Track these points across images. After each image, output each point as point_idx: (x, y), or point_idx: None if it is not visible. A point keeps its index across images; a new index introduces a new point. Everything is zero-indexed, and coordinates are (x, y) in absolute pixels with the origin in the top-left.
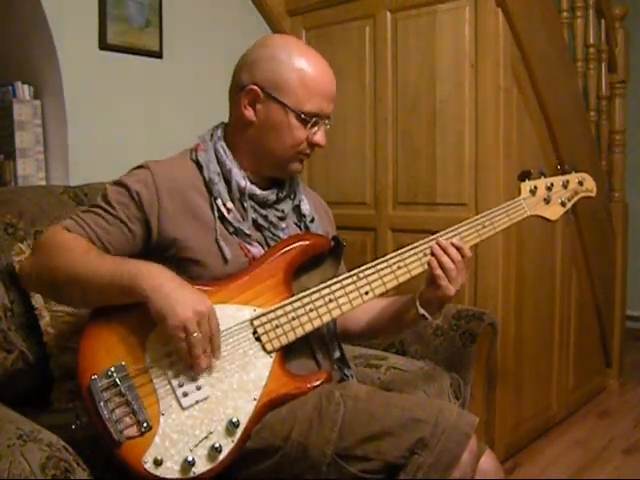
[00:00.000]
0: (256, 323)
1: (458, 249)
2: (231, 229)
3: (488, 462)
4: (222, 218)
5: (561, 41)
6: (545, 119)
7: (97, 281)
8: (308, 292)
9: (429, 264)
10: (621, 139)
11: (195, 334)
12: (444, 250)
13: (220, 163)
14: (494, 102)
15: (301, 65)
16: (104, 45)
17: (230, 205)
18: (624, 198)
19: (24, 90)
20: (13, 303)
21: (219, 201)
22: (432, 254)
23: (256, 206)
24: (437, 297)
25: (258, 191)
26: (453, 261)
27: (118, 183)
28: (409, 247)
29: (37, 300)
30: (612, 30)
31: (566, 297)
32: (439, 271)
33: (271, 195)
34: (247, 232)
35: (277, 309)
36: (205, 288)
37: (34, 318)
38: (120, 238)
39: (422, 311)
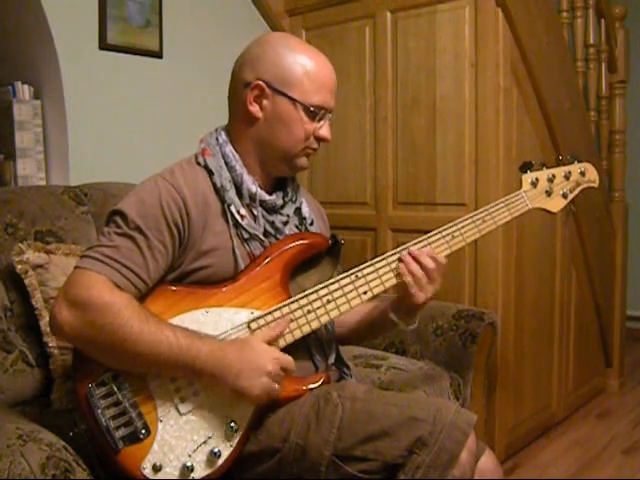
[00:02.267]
0: (253, 326)
1: (431, 257)
2: (246, 235)
3: (488, 462)
4: (236, 225)
5: (561, 41)
6: (545, 119)
7: (156, 361)
8: (306, 293)
9: (399, 271)
10: (621, 139)
11: (276, 393)
12: (415, 258)
13: (230, 168)
14: (494, 102)
15: (304, 59)
16: (104, 45)
17: (243, 211)
18: (624, 198)
19: (24, 90)
20: (13, 303)
21: (232, 208)
22: (401, 261)
23: (264, 212)
24: (405, 304)
25: (267, 196)
26: (424, 269)
27: (142, 203)
28: (408, 245)
29: (37, 300)
30: (612, 30)
31: (566, 297)
32: (409, 278)
33: (278, 200)
34: (262, 238)
35: (274, 311)
36: (202, 291)
37: (34, 318)
38: (157, 269)
39: (392, 316)
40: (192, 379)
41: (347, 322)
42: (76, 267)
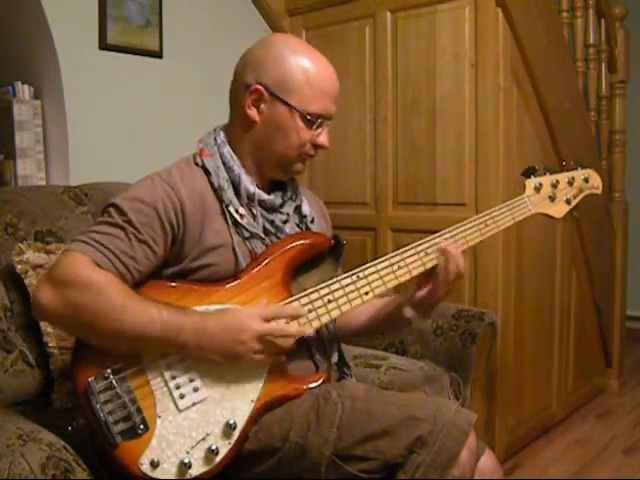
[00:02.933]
0: None
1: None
2: (246, 234)
3: (488, 462)
4: (235, 224)
5: (561, 41)
6: (545, 119)
7: (140, 337)
8: (307, 292)
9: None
10: (621, 139)
11: (257, 357)
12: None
13: (227, 168)
14: (494, 102)
15: (307, 66)
16: (104, 45)
17: (242, 210)
18: (624, 198)
19: (24, 90)
20: (13, 303)
21: (231, 207)
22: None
23: (263, 211)
24: (428, 300)
25: (265, 196)
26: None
27: (138, 199)
28: (410, 247)
29: None
30: (612, 30)
31: (566, 297)
32: (444, 274)
33: (277, 199)
34: (262, 236)
35: None
36: (203, 288)
37: (34, 318)
38: (145, 263)
39: (409, 313)
40: (181, 354)
41: (355, 320)
42: (63, 251)
